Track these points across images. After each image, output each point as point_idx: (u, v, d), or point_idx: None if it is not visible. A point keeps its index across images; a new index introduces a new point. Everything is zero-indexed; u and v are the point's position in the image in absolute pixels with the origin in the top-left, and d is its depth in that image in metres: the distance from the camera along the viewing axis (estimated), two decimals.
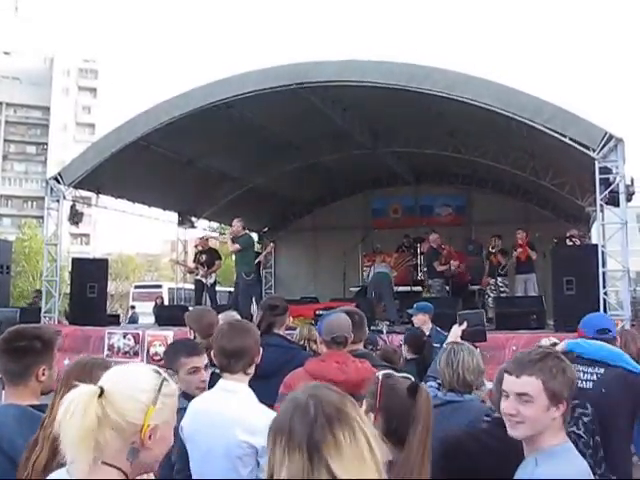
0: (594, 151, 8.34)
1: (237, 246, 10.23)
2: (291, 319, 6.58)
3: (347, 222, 16.33)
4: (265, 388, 2.84)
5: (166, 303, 19.09)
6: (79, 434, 1.35)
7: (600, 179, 8.45)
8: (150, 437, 1.44)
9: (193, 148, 12.34)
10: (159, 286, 25.56)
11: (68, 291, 11.97)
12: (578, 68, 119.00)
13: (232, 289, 11.90)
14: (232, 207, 14.37)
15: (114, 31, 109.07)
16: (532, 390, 1.90)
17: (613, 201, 8.50)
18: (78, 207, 11.79)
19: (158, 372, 1.52)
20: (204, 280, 12.06)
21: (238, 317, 3.96)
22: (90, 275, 11.22)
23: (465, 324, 3.70)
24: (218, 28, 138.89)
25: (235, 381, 2.63)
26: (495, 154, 12.70)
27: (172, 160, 12.37)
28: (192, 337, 3.91)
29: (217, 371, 2.88)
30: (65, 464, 1.46)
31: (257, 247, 15.12)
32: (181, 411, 2.70)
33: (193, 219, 15.57)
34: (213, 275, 12.21)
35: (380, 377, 2.00)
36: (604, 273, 8.49)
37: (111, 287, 27.93)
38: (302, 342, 4.82)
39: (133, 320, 18.96)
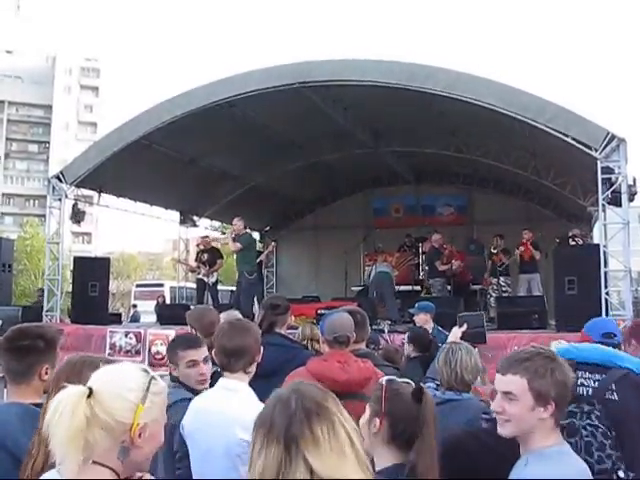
0: (596, 151, 8.34)
1: (238, 245, 10.22)
2: (293, 318, 6.60)
3: (348, 221, 16.32)
4: (266, 387, 2.81)
5: (168, 302, 19.15)
6: (67, 434, 1.37)
7: (602, 179, 8.45)
8: (140, 435, 1.45)
9: (195, 147, 12.34)
10: (161, 285, 25.60)
11: (70, 290, 11.98)
12: (581, 68, 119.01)
13: (234, 288, 11.89)
14: (234, 206, 14.35)
15: (116, 30, 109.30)
16: (516, 389, 1.89)
17: (615, 201, 8.50)
18: (80, 206, 11.81)
19: (146, 371, 1.54)
20: (206, 279, 12.09)
21: (240, 316, 3.97)
22: (92, 274, 11.25)
23: (465, 326, 3.70)
24: (220, 27, 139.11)
25: (235, 380, 2.64)
26: (497, 153, 12.68)
27: (174, 159, 12.39)
28: None
29: (219, 370, 2.90)
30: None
31: (259, 246, 15.14)
32: (184, 401, 2.73)
33: (195, 218, 15.59)
34: (215, 274, 12.22)
35: (384, 383, 2.03)
36: (606, 273, 8.48)
37: (113, 286, 27.93)
38: (305, 342, 4.81)
39: (135, 319, 18.93)
